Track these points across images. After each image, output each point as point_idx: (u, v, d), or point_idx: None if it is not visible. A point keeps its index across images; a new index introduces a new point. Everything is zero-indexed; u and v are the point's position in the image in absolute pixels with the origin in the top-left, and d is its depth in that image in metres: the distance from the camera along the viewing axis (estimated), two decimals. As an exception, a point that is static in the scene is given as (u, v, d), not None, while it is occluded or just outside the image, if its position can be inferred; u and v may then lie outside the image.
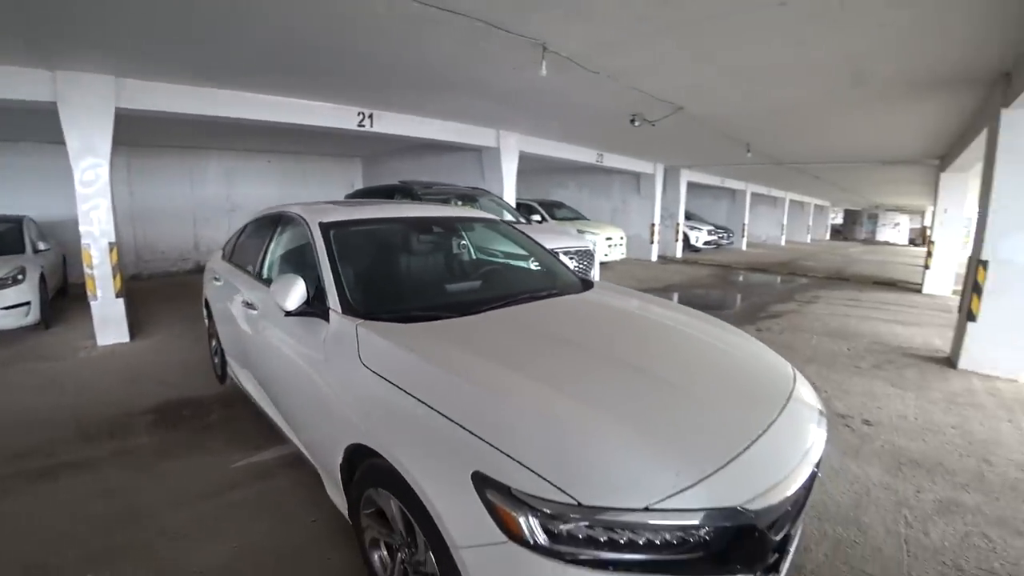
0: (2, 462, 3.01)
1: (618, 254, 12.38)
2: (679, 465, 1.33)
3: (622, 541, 1.22)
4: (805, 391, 1.93)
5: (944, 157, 11.10)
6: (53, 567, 2.17)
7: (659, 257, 15.34)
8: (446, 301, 2.57)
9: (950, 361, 5.80)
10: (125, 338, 5.50)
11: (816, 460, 1.62)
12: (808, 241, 29.48)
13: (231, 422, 3.56)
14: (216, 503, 2.64)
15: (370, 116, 6.94)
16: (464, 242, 3.48)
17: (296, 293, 2.15)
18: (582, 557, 1.22)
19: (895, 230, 35.12)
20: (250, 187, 11.68)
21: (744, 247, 20.96)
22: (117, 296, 5.40)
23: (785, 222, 25.38)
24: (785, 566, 1.51)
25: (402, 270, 2.99)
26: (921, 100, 6.32)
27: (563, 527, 1.23)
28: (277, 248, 3.03)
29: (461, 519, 1.33)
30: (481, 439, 1.38)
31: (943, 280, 11.46)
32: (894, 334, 6.92)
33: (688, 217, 17.73)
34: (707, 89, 5.88)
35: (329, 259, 2.35)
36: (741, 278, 12.35)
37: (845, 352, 5.84)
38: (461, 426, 1.43)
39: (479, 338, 2.01)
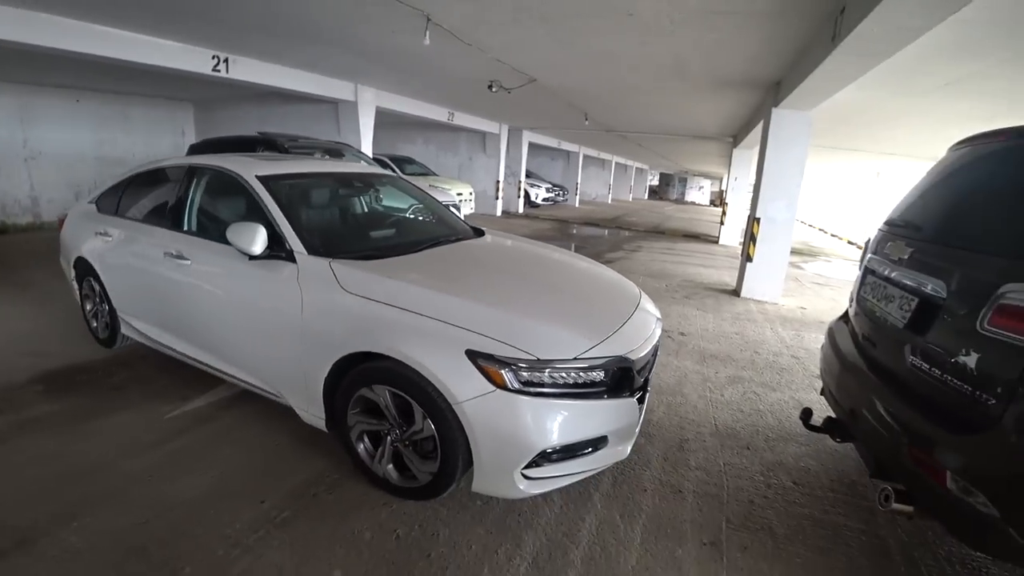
0: None
1: (467, 209, 13.06)
2: (588, 334, 2.16)
3: (561, 380, 2.00)
4: (647, 302, 2.88)
5: (736, 136, 13.46)
6: (26, 527, 2.08)
7: (503, 212, 16.38)
8: (382, 244, 3.02)
9: (736, 292, 7.67)
10: None
11: (656, 340, 2.55)
12: (630, 200, 33.09)
13: (140, 381, 3.46)
14: (170, 448, 2.68)
15: (225, 61, 6.57)
16: (378, 195, 3.84)
17: (260, 239, 2.43)
18: (539, 391, 1.96)
19: (700, 192, 40.86)
20: (56, 130, 9.95)
21: (577, 204, 23.06)
22: None
23: (612, 182, 28.22)
24: (646, 399, 2.49)
25: (335, 218, 3.34)
26: (722, 94, 8.02)
27: (526, 374, 1.96)
28: (198, 201, 3.10)
29: (460, 382, 1.95)
30: (465, 328, 2.02)
31: (734, 234, 14.13)
32: (698, 274, 8.75)
33: (528, 175, 18.98)
34: (561, 67, 6.72)
35: (280, 208, 2.65)
36: (577, 231, 13.94)
37: (664, 288, 7.36)
38: (448, 323, 2.05)
39: (425, 269, 2.58)
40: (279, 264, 2.51)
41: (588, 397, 2.05)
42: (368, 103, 9.03)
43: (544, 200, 19.76)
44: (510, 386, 1.93)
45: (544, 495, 2.39)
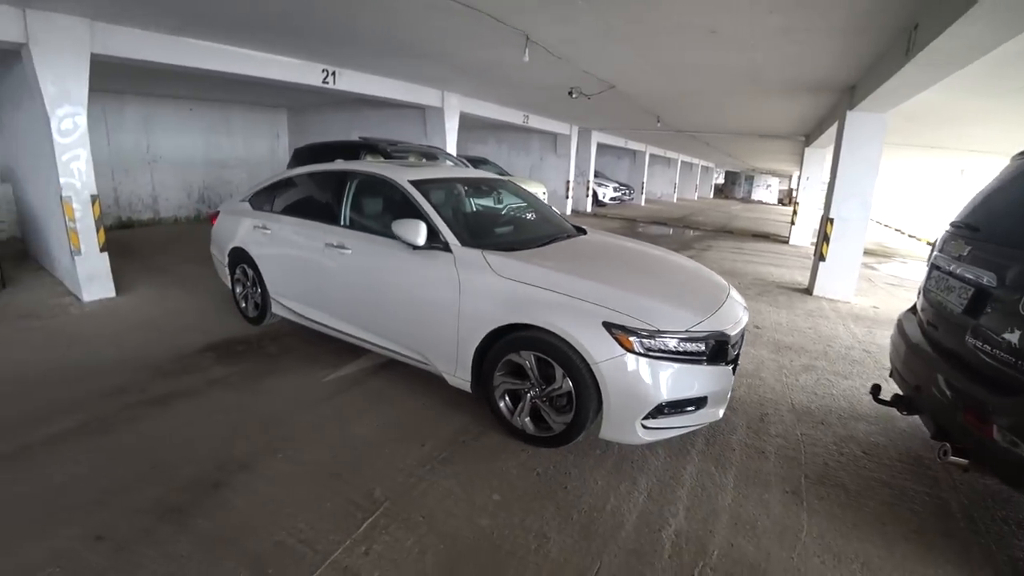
0: (104, 398, 3.25)
1: (541, 208, 13.56)
2: (695, 312, 2.68)
3: (675, 347, 2.51)
4: (735, 292, 3.30)
5: (808, 136, 13.31)
6: (241, 457, 2.65)
7: (572, 211, 16.76)
8: (512, 238, 3.57)
9: (808, 290, 7.84)
10: (111, 293, 5.46)
11: (744, 324, 3.00)
12: (695, 198, 32.63)
13: (291, 351, 4.08)
14: (335, 404, 3.26)
15: (333, 73, 7.32)
16: (499, 196, 4.43)
17: (423, 233, 3.03)
18: (658, 355, 2.47)
19: (767, 191, 39.63)
20: (172, 136, 11.16)
21: (643, 203, 23.11)
22: (101, 250, 5.36)
23: (677, 181, 27.98)
24: (736, 370, 2.96)
25: (472, 216, 4.00)
26: (795, 97, 8.24)
27: (649, 341, 2.47)
28: (355, 200, 3.73)
29: (598, 347, 2.48)
30: (600, 305, 2.55)
31: (804, 234, 13.92)
32: (769, 273, 8.89)
33: (596, 175, 19.26)
34: (640, 76, 7.14)
35: (433, 208, 3.26)
36: (645, 230, 14.16)
37: (736, 285, 7.52)
38: (587, 301, 2.59)
39: (556, 259, 3.12)
40: (437, 254, 3.09)
41: (694, 363, 2.55)
42: (453, 108, 9.67)
43: (611, 199, 20.00)
44: (636, 350, 2.44)
45: (649, 448, 2.94)
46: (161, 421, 3.03)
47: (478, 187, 4.36)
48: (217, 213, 5.04)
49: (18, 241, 8.11)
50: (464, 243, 3.07)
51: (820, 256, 7.82)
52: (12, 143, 7.32)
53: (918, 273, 10.54)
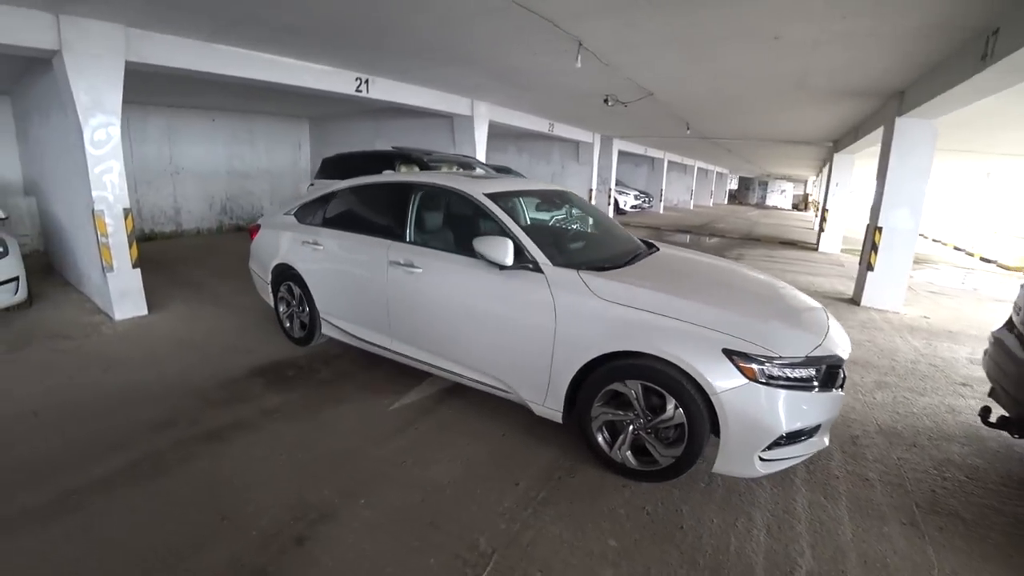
0: (153, 431, 2.99)
1: (566, 217, 13.33)
2: (812, 334, 2.54)
3: (795, 374, 2.36)
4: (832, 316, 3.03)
5: (838, 141, 13.04)
6: (321, 503, 2.40)
7: (593, 220, 16.43)
8: (599, 257, 3.23)
9: (854, 300, 7.58)
10: (143, 311, 5.23)
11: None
12: (711, 205, 32.33)
13: (345, 376, 3.83)
14: (408, 437, 3.01)
15: (366, 81, 7.12)
16: (571, 210, 4.17)
17: (511, 251, 2.80)
18: (780, 384, 2.32)
19: (782, 196, 39.19)
20: (195, 147, 11.03)
21: (662, 210, 22.84)
22: (134, 266, 5.13)
23: (694, 187, 27.71)
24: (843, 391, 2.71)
25: (550, 232, 3.74)
26: (836, 103, 8.02)
27: (771, 369, 2.32)
28: (422, 215, 3.49)
29: (718, 376, 2.31)
30: (717, 330, 2.39)
31: (834, 241, 13.63)
32: (810, 283, 8.58)
33: (616, 183, 19.00)
34: (683, 82, 6.91)
35: (518, 224, 3.03)
36: (672, 238, 13.82)
37: (785, 299, 7.26)
38: (702, 326, 2.41)
39: (651, 278, 2.87)
40: (526, 274, 2.86)
41: (812, 389, 2.40)
42: (483, 116, 9.45)
43: (632, 207, 19.81)
44: (759, 379, 2.29)
45: (753, 480, 2.74)
46: (220, 460, 2.78)
47: (551, 200, 4.11)
48: (257, 227, 4.80)
49: (42, 255, 7.96)
50: (555, 262, 2.85)
51: (868, 266, 7.60)
52: (38, 155, 7.17)
53: (955, 280, 10.32)
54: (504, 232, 3.01)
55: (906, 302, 7.39)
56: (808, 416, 2.39)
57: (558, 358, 2.72)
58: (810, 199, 37.18)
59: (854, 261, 12.02)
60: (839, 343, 2.64)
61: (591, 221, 4.01)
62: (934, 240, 19.05)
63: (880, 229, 7.38)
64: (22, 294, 4.98)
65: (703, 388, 2.34)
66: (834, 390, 2.50)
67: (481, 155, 9.53)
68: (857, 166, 13.83)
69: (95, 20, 4.59)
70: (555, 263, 2.85)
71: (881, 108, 7.87)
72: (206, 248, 9.38)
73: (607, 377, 2.60)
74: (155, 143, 10.51)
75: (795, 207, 38.62)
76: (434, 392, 3.64)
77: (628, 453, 2.64)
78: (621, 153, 18.21)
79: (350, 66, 6.71)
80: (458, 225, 3.47)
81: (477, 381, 3.17)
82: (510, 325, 2.91)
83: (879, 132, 8.28)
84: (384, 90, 7.42)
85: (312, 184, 8.61)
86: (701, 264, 3.57)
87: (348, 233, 3.86)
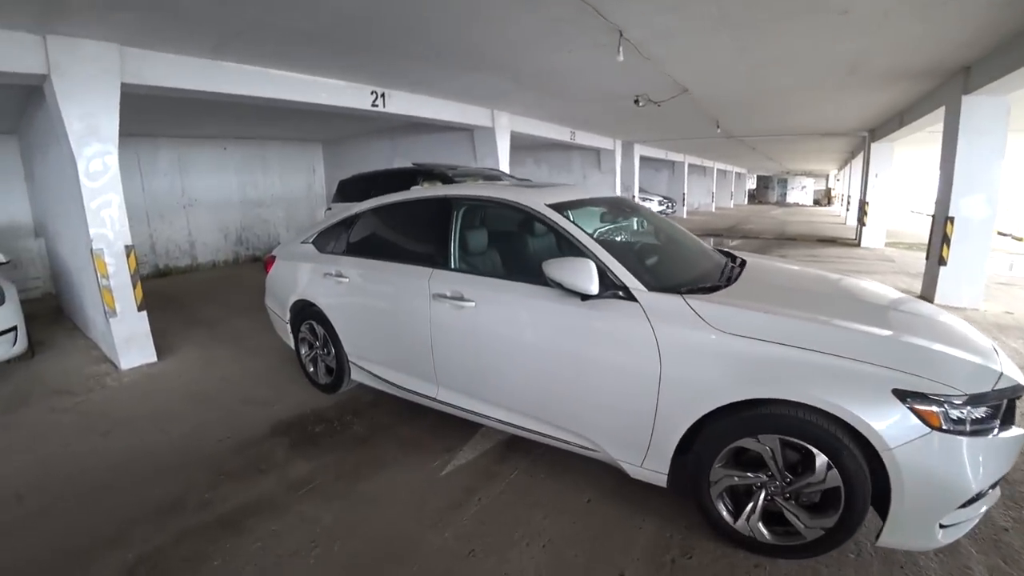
0: (155, 517, 2.45)
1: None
2: (988, 360, 1.98)
3: (976, 414, 1.81)
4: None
5: (874, 130, 12.30)
6: None
7: (618, 229, 15.87)
8: (687, 277, 2.63)
9: (926, 298, 6.88)
10: (152, 357, 4.70)
11: None
12: (732, 206, 31.53)
13: (382, 431, 3.26)
14: (471, 513, 2.44)
15: (383, 95, 6.64)
16: (643, 222, 3.56)
17: (595, 276, 2.23)
18: (967, 429, 1.78)
19: (802, 192, 38.24)
20: (207, 177, 10.67)
21: (685, 214, 22.12)
22: (139, 309, 4.63)
23: (715, 190, 26.97)
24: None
25: (627, 248, 3.06)
26: (889, 87, 7.37)
27: (956, 412, 1.78)
28: (467, 236, 2.92)
29: (891, 426, 1.77)
30: (880, 365, 1.84)
31: (877, 235, 12.85)
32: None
33: (639, 190, 18.40)
34: (724, 75, 6.32)
35: (597, 241, 2.44)
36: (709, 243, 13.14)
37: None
38: (861, 360, 1.86)
39: (767, 299, 2.33)
40: (616, 304, 2.28)
41: (992, 431, 1.85)
42: (504, 127, 8.96)
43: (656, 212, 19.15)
44: (943, 426, 1.77)
45: (919, 560, 2.14)
46: (236, 559, 2.18)
47: (615, 210, 3.51)
48: (272, 259, 4.27)
49: (53, 298, 7.57)
50: (650, 286, 2.28)
51: (940, 260, 6.94)
52: (42, 194, 6.81)
53: (1016, 268, 9.48)
54: (580, 252, 2.43)
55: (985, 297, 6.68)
56: (997, 466, 1.86)
57: (664, 409, 2.14)
58: (832, 193, 36.20)
59: (903, 256, 11.35)
60: (1012, 367, 2.04)
61: (660, 232, 3.38)
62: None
63: (951, 219, 6.73)
64: (21, 345, 4.48)
65: (869, 442, 1.80)
66: (1014, 428, 1.93)
67: (505, 167, 9.01)
68: (896, 155, 13.08)
69: (86, 40, 4.14)
70: (650, 287, 2.28)
71: (938, 88, 7.23)
72: (223, 281, 8.94)
73: (733, 431, 2.03)
74: (166, 176, 10.17)
75: (816, 203, 37.61)
76: (492, 447, 3.04)
77: (759, 524, 2.08)
78: (642, 159, 17.65)
79: (365, 79, 6.24)
80: (515, 246, 2.94)
81: (551, 437, 2.57)
82: (596, 368, 2.33)
83: (936, 115, 7.70)
84: (401, 104, 6.94)
85: (329, 208, 8.15)
86: (807, 276, 2.97)
87: (377, 262, 3.28)
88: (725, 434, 2.05)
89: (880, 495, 1.86)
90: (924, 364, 1.86)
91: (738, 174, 33.74)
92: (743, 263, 3.06)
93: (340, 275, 3.41)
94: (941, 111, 7.24)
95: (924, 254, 11.75)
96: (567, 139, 11.62)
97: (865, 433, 1.80)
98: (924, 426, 1.76)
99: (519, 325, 2.57)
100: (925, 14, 4.21)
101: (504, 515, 2.43)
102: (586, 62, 5.40)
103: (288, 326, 3.97)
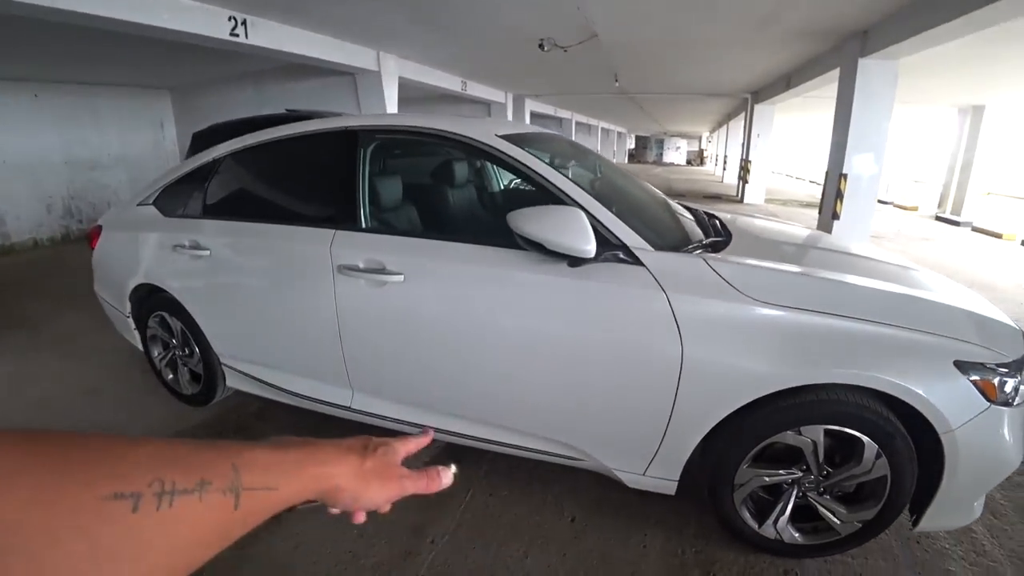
0: None
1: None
2: (1010, 323, 1.75)
3: (1017, 382, 1.57)
4: None
5: (758, 92, 12.82)
6: None
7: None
8: (679, 233, 2.16)
9: None
10: None
11: None
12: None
13: None
14: (427, 563, 1.82)
15: (243, 23, 5.34)
16: (599, 167, 2.87)
17: (591, 231, 1.63)
18: (1014, 398, 1.56)
19: (676, 152, 40.36)
20: (14, 132, 8.32)
21: (574, 175, 22.22)
22: None
23: (599, 148, 27.40)
24: None
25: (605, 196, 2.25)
26: (791, 45, 7.42)
27: (1010, 380, 1.55)
28: (385, 185, 2.11)
29: (955, 404, 1.51)
30: (939, 334, 1.56)
31: (758, 192, 13.70)
32: (774, 239, 8.05)
33: (529, 148, 17.99)
34: (639, 17, 5.87)
35: (578, 185, 1.82)
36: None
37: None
38: (920, 329, 1.56)
39: (785, 258, 2.03)
40: (617, 268, 1.70)
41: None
42: (391, 73, 7.89)
43: (546, 171, 18.95)
44: (999, 398, 1.54)
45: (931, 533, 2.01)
46: None
47: (573, 152, 2.85)
48: (98, 229, 3.12)
49: None
50: (655, 244, 1.75)
51: (833, 214, 7.36)
52: None
53: (896, 223, 10.32)
54: (562, 199, 1.80)
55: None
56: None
57: (684, 404, 1.66)
58: (705, 154, 38.59)
59: (784, 210, 12.08)
60: None
61: (620, 180, 2.78)
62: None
63: (845, 176, 7.08)
64: None
65: (930, 424, 1.53)
66: None
67: (396, 119, 7.99)
68: (778, 118, 13.82)
69: None
70: (655, 246, 1.74)
71: (832, 50, 7.46)
72: (48, 265, 7.07)
73: (771, 425, 1.65)
74: (-49, 128, 7.83)
75: (688, 162, 39.93)
76: (429, 460, 2.31)
77: (787, 524, 1.77)
78: (533, 114, 17.18)
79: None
80: (455, 195, 2.22)
81: (518, 447, 1.95)
82: (589, 357, 1.75)
83: (824, 78, 8.06)
84: (268, 36, 5.67)
85: (183, 167, 6.70)
86: (792, 232, 2.62)
87: (251, 224, 2.35)
88: (760, 429, 1.66)
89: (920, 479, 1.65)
90: (976, 329, 1.63)
91: (619, 133, 34.64)
92: (712, 215, 2.61)
93: (197, 247, 2.44)
94: (830, 74, 7.59)
95: (799, 209, 12.65)
96: (458, 89, 10.71)
97: (928, 415, 1.52)
98: (984, 400, 1.52)
99: (474, 304, 1.87)
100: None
101: (471, 560, 1.82)
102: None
103: (130, 320, 2.92)
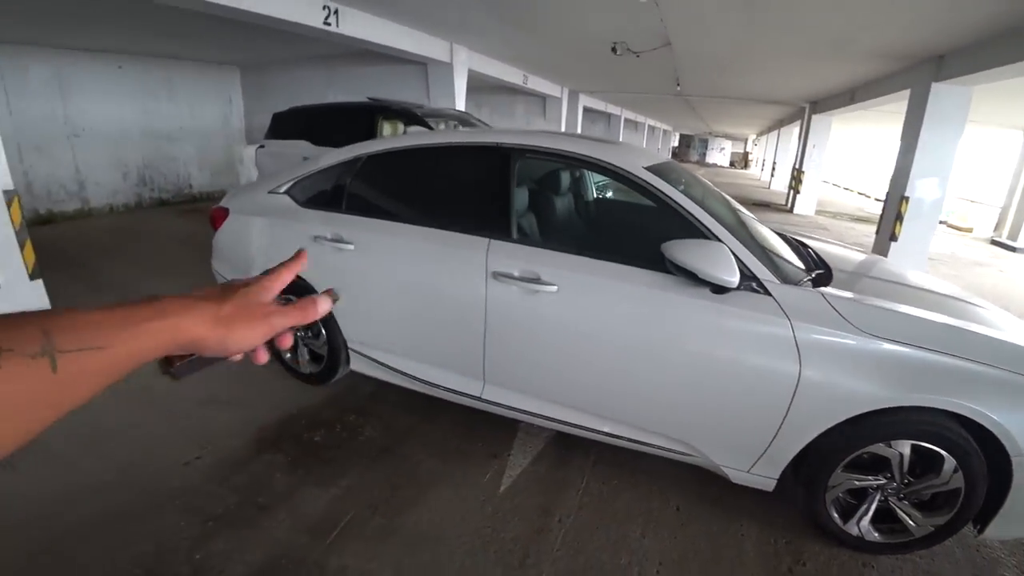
0: None
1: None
2: None
3: None
4: None
5: (817, 102, 12.62)
6: None
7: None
8: (791, 264, 2.36)
9: None
10: None
11: None
12: (657, 165, 32.08)
13: (404, 433, 2.63)
14: (560, 539, 2.05)
15: (336, 12, 5.55)
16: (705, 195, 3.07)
17: (735, 265, 1.91)
18: None
19: (720, 153, 39.77)
20: (98, 102, 8.70)
21: (618, 172, 22.10)
22: (32, 277, 3.47)
23: (645, 146, 27.17)
24: None
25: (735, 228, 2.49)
26: (863, 63, 7.32)
27: None
28: (538, 201, 2.35)
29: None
30: (1014, 371, 1.80)
31: (809, 203, 13.48)
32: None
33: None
34: (718, 30, 5.93)
35: (715, 217, 2.08)
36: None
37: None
38: (998, 366, 1.80)
39: (881, 292, 2.24)
40: (751, 297, 1.98)
41: None
42: (463, 64, 8.04)
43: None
44: None
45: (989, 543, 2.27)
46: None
47: (693, 181, 2.99)
48: (223, 211, 3.36)
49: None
50: (780, 276, 2.04)
51: (891, 236, 7.30)
52: None
53: (953, 247, 10.16)
54: (699, 232, 2.07)
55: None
56: None
57: (795, 415, 1.96)
58: (750, 157, 37.89)
59: (834, 224, 11.93)
60: None
61: (726, 208, 2.92)
62: (877, 200, 19.51)
63: (907, 199, 7.03)
64: None
65: (1003, 447, 1.79)
66: None
67: (461, 107, 8.15)
68: (834, 129, 13.61)
69: None
70: (780, 278, 2.04)
71: (904, 71, 7.37)
72: (126, 231, 7.46)
73: (866, 437, 1.94)
74: (42, 97, 8.15)
75: (732, 164, 39.30)
76: (543, 448, 2.58)
77: (868, 524, 2.07)
78: (583, 109, 17.16)
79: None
80: (598, 215, 2.42)
81: (635, 441, 2.23)
82: (720, 371, 2.03)
83: (894, 96, 7.92)
84: (356, 25, 5.87)
85: (262, 146, 6.97)
86: (877, 264, 2.85)
87: (401, 225, 2.58)
88: (857, 439, 1.95)
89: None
90: None
91: (664, 131, 34.23)
92: (805, 244, 2.89)
93: (340, 240, 2.66)
94: (901, 93, 7.49)
95: (849, 223, 12.48)
96: (519, 82, 10.81)
97: (1002, 439, 1.78)
98: None
99: (621, 316, 2.13)
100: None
101: (597, 537, 2.07)
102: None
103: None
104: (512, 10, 5.65)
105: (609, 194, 3.66)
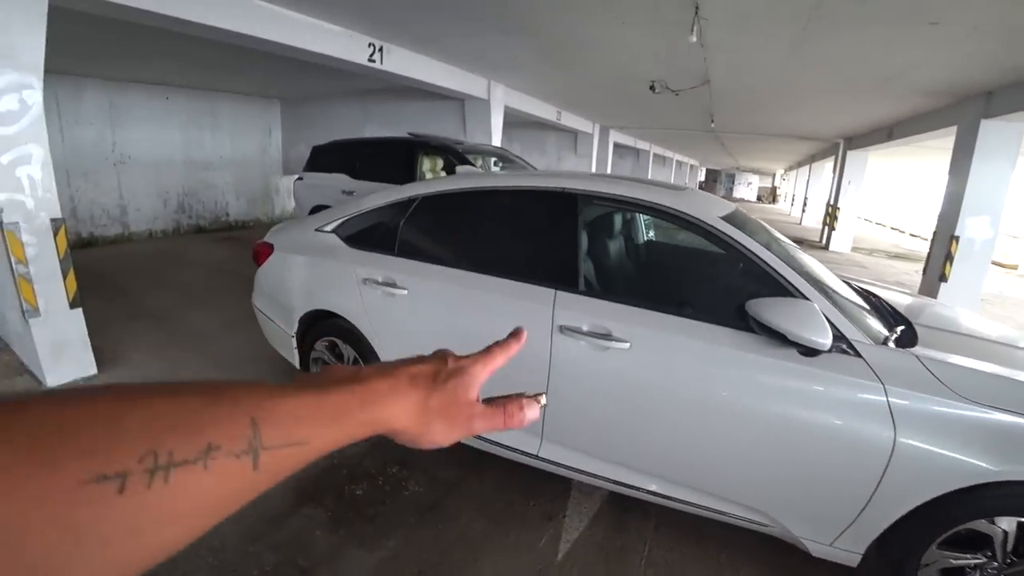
0: None
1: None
2: None
3: None
4: None
5: (852, 138, 12.46)
6: None
7: (588, 216, 15.40)
8: (875, 321, 2.22)
9: None
10: (91, 369, 3.56)
11: None
12: (683, 199, 31.98)
13: (450, 487, 2.50)
14: None
15: (380, 50, 5.66)
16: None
17: (828, 326, 1.75)
18: None
19: (747, 188, 39.53)
20: (144, 130, 9.04)
21: (646, 205, 22.03)
22: (73, 306, 3.45)
23: (673, 181, 27.14)
24: None
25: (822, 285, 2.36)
26: (906, 99, 7.20)
27: None
28: (603, 249, 2.24)
29: None
30: None
31: (845, 240, 13.19)
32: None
33: (606, 176, 17.97)
34: (758, 70, 5.90)
35: (799, 272, 1.95)
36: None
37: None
38: None
39: (968, 352, 2.05)
40: (841, 360, 1.82)
41: None
42: (499, 101, 8.14)
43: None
44: None
45: None
46: None
47: (758, 228, 2.89)
48: (267, 247, 3.33)
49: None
50: (873, 339, 1.88)
51: (941, 276, 6.99)
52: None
53: (1000, 286, 9.78)
54: (784, 289, 1.92)
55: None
56: None
57: (888, 486, 1.78)
58: (778, 192, 37.59)
59: (871, 262, 11.60)
60: None
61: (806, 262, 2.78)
62: (912, 235, 19.03)
63: (956, 238, 6.77)
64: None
65: None
66: None
67: (497, 143, 8.21)
68: (870, 164, 13.39)
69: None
70: (876, 341, 1.89)
71: (948, 108, 7.21)
72: (164, 257, 7.59)
73: (967, 512, 1.76)
74: (93, 125, 8.51)
75: (759, 199, 38.98)
76: (599, 509, 2.41)
77: None
78: (613, 145, 17.22)
79: (366, 28, 5.30)
80: (662, 263, 2.34)
81: (706, 508, 2.04)
82: (806, 437, 1.87)
83: (934, 132, 7.77)
84: (400, 62, 5.99)
85: (300, 178, 7.07)
86: (978, 325, 2.62)
87: (459, 272, 2.46)
88: (957, 514, 1.77)
89: None
90: None
91: (691, 166, 34.21)
92: (873, 294, 2.73)
93: (392, 284, 2.58)
94: (941, 130, 7.35)
95: (887, 261, 12.14)
96: (552, 118, 10.90)
97: None
98: None
99: (698, 376, 1.98)
100: (1007, 37, 4.04)
101: None
102: (628, 37, 4.81)
103: (294, 339, 3.10)
104: (553, 50, 5.69)
105: (652, 234, 3.58)
